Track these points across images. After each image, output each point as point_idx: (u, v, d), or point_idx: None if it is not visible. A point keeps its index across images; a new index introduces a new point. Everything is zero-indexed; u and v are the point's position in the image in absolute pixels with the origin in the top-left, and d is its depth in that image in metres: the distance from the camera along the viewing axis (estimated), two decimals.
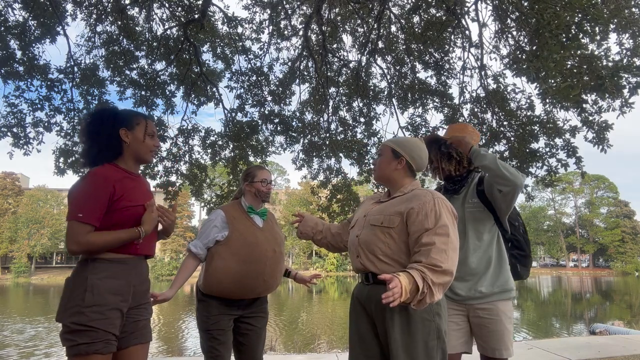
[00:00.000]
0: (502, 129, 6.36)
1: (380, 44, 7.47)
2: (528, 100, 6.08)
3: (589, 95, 4.48)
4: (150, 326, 2.01)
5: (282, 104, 7.61)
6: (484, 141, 6.62)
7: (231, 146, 7.38)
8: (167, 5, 7.08)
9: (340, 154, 7.38)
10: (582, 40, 4.11)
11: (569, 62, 4.26)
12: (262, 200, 2.68)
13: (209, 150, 7.39)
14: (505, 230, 2.35)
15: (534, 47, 4.28)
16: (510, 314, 2.25)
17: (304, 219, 2.48)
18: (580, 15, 4.03)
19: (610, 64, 4.15)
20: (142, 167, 2.37)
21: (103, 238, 1.77)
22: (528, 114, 6.07)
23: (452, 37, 6.83)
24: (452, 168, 2.38)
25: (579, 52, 4.16)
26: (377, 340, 1.88)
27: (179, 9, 7.18)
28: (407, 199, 1.92)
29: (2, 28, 5.78)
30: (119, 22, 6.65)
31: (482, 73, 6.47)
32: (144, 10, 7.07)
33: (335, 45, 7.88)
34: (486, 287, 2.22)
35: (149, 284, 2.02)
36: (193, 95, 7.31)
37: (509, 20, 5.56)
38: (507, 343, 2.21)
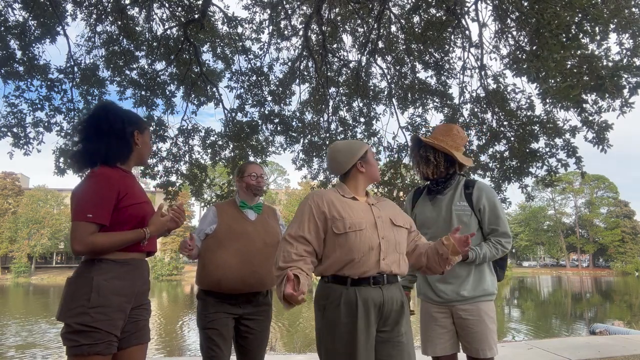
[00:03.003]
0: (502, 129, 6.36)
1: (380, 44, 7.47)
2: (528, 100, 6.08)
3: (589, 95, 4.48)
4: (149, 326, 2.00)
5: (282, 104, 7.61)
6: (483, 141, 6.62)
7: (231, 146, 7.38)
8: (167, 5, 7.08)
9: None
10: (582, 40, 4.11)
11: (569, 62, 4.26)
12: (253, 194, 2.66)
13: (209, 150, 7.38)
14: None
15: (534, 47, 4.28)
16: (492, 314, 2.29)
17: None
18: (580, 15, 4.03)
19: (610, 64, 4.16)
20: (141, 168, 2.37)
21: (109, 239, 1.77)
22: (528, 114, 6.07)
23: (452, 37, 6.83)
24: (430, 171, 2.39)
25: (579, 52, 4.16)
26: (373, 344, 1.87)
27: (179, 9, 7.18)
28: (392, 203, 2.13)
29: (2, 28, 5.78)
30: (119, 22, 6.65)
31: (482, 73, 6.47)
32: (144, 10, 7.07)
33: (335, 45, 7.88)
34: (468, 291, 2.26)
35: (150, 284, 2.03)
36: (193, 95, 7.31)
37: (509, 20, 5.56)
38: (491, 343, 2.23)
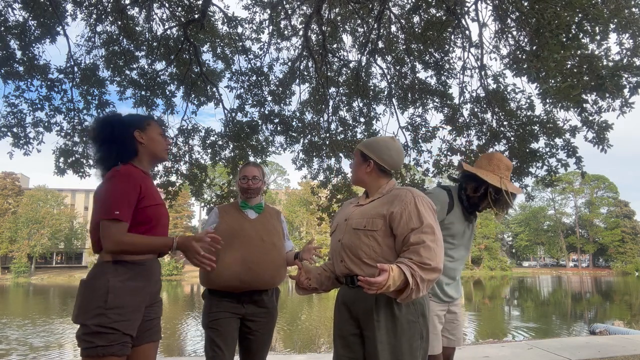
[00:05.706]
0: (502, 129, 6.35)
1: (380, 44, 7.47)
2: (528, 100, 6.08)
3: (589, 95, 4.48)
4: (160, 325, 2.01)
5: (282, 104, 7.60)
6: (483, 141, 6.62)
7: (231, 146, 7.38)
8: (167, 5, 7.08)
9: (340, 154, 7.37)
10: (582, 40, 4.11)
11: (569, 62, 4.26)
12: (243, 196, 2.65)
13: (209, 150, 7.38)
14: None
15: (534, 47, 4.28)
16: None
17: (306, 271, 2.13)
18: (580, 15, 4.03)
19: (610, 63, 4.16)
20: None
21: (140, 241, 1.77)
22: (528, 114, 6.07)
23: (452, 37, 6.82)
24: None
25: (579, 52, 4.16)
26: (361, 343, 1.87)
27: (179, 9, 7.18)
28: (388, 200, 1.91)
29: (2, 28, 5.78)
30: (119, 22, 6.65)
31: (482, 73, 6.46)
32: (144, 10, 7.06)
33: (335, 45, 7.87)
34: (460, 290, 2.59)
35: (161, 283, 2.06)
36: (193, 95, 7.31)
37: (509, 20, 5.56)
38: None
